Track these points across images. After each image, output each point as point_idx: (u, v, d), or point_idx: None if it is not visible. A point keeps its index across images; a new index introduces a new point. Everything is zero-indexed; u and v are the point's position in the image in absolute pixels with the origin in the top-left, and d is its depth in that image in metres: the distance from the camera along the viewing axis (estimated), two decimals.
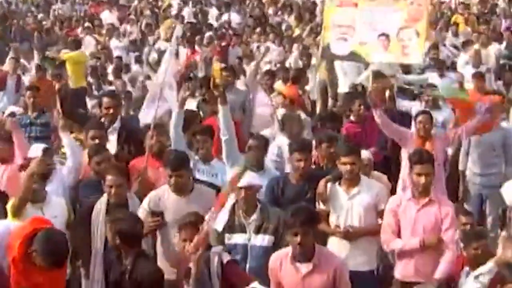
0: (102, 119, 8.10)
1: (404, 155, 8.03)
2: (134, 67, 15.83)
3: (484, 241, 6.40)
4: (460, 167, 8.74)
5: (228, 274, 5.61)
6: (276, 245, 6.12)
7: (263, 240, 6.17)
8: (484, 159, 8.56)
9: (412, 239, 6.33)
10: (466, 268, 6.20)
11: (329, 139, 7.53)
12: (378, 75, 9.59)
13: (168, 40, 16.56)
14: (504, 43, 12.94)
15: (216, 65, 10.45)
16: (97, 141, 7.46)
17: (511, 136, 8.66)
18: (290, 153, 7.10)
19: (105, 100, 8.13)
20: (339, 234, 6.58)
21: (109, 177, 6.50)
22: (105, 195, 6.50)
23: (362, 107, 8.98)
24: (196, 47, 16.09)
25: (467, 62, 11.81)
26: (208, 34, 17.47)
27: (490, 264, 5.56)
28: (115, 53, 16.65)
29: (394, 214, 6.42)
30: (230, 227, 6.18)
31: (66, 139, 7.47)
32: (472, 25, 14.12)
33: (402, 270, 6.45)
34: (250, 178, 6.16)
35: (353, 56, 8.77)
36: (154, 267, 5.75)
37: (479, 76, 10.66)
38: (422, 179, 6.34)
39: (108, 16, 20.84)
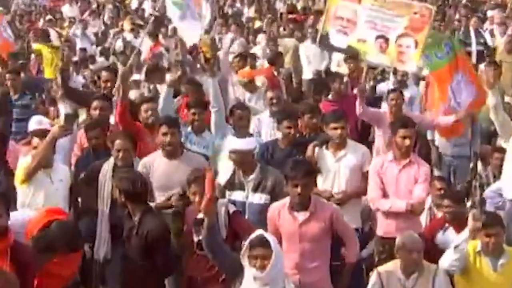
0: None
1: (379, 136, 8.69)
2: (100, 59, 16.10)
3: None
4: (429, 137, 9.38)
5: (233, 224, 6.06)
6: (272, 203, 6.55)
7: (260, 198, 6.58)
8: None
9: (397, 199, 6.82)
10: (446, 225, 6.82)
11: (311, 110, 8.08)
12: (351, 57, 10.15)
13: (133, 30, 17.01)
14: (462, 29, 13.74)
15: (206, 41, 10.80)
16: (99, 112, 7.83)
17: None
18: (278, 122, 7.57)
19: (104, 74, 8.54)
20: (333, 199, 6.98)
21: (117, 141, 6.89)
22: (112, 158, 6.92)
23: (342, 86, 9.58)
24: (161, 39, 16.45)
25: None
26: (171, 26, 17.82)
27: (465, 233, 5.98)
28: (80, 45, 16.89)
29: (378, 175, 6.95)
30: (231, 184, 6.62)
31: (63, 108, 7.82)
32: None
33: (384, 227, 6.94)
34: (243, 144, 6.64)
35: (348, 50, 8.74)
36: (159, 222, 6.13)
37: None
38: (406, 141, 6.89)
39: (68, 10, 21.05)
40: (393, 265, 6.14)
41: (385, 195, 6.91)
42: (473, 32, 13.51)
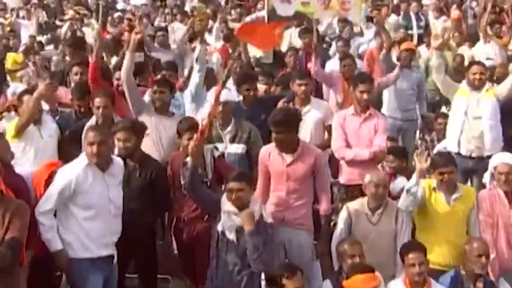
0: None
1: (331, 96, 9.36)
2: (48, 47, 16.38)
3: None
4: None
5: (218, 167, 6.69)
6: (248, 153, 7.23)
7: (237, 148, 7.24)
8: (404, 95, 9.96)
9: (359, 149, 7.43)
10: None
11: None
12: (306, 31, 10.86)
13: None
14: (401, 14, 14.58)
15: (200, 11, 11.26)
16: (79, 76, 8.28)
17: (423, 78, 10.36)
18: (238, 86, 8.14)
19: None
20: None
21: (96, 99, 7.39)
22: (94, 117, 7.40)
23: (294, 57, 10.33)
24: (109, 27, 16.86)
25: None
26: (117, 14, 18.22)
27: (414, 178, 6.66)
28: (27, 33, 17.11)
29: (341, 127, 7.58)
30: (210, 137, 7.14)
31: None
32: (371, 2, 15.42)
33: (347, 175, 7.55)
34: (226, 95, 7.29)
35: (298, 16, 9.44)
36: (157, 162, 6.78)
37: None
38: (365, 95, 7.58)
39: (10, 0, 21.14)
40: (360, 203, 6.81)
41: (348, 145, 7.54)
42: (413, 16, 14.34)
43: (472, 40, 12.64)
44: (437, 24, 14.27)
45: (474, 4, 16.14)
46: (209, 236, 6.33)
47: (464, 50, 12.11)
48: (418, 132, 10.22)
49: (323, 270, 6.91)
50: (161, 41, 12.25)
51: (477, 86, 8.36)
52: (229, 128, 7.28)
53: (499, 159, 6.99)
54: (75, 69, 8.42)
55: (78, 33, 15.63)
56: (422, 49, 12.32)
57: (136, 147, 6.63)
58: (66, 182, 5.90)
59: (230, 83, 9.26)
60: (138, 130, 6.70)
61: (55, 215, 5.97)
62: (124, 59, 7.88)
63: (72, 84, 8.32)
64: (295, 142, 6.57)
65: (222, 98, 7.13)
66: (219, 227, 6.08)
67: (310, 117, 7.77)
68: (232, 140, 7.25)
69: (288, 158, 6.56)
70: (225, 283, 6.01)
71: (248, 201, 6.02)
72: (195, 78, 8.29)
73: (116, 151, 6.53)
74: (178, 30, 16.13)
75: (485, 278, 6.32)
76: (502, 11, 13.91)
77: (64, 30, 17.00)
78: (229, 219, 6.00)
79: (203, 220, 6.58)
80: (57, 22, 18.72)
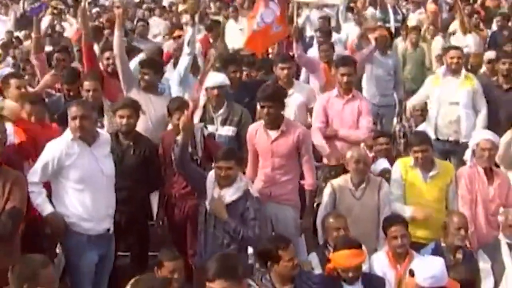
0: None
1: (314, 81, 9.56)
2: (26, 43, 16.47)
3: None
4: None
5: (208, 145, 6.91)
6: (238, 135, 7.43)
7: (228, 130, 7.45)
8: (381, 82, 10.26)
9: (341, 129, 7.69)
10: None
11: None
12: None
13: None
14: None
15: None
16: (62, 63, 8.51)
17: (399, 65, 10.67)
18: (224, 68, 8.36)
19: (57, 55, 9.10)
20: None
21: (85, 83, 7.59)
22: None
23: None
24: None
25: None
26: (95, 10, 18.34)
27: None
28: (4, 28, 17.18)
29: (323, 109, 7.83)
30: (202, 119, 7.41)
31: None
32: None
33: (330, 155, 7.76)
34: (222, 78, 7.53)
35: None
36: (150, 141, 6.96)
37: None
38: (345, 78, 7.80)
39: None
40: (344, 179, 7.05)
41: (327, 125, 7.77)
42: (390, 9, 14.63)
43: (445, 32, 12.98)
44: (412, 17, 14.61)
45: None
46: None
47: (438, 40, 12.42)
48: (396, 117, 10.51)
49: (308, 245, 7.15)
50: (141, 32, 12.47)
51: (454, 70, 8.66)
52: (221, 111, 7.48)
53: (481, 136, 7.23)
54: (57, 55, 8.61)
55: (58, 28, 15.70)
56: (398, 41, 12.61)
57: (135, 125, 6.82)
58: (49, 157, 6.00)
59: None
60: (137, 108, 6.89)
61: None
62: (107, 42, 8.03)
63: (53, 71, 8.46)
64: (281, 118, 6.80)
65: (218, 82, 7.37)
66: (207, 203, 6.29)
67: (293, 100, 7.98)
68: (224, 123, 7.44)
69: (273, 134, 6.78)
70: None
71: (234, 179, 6.24)
72: (185, 61, 8.45)
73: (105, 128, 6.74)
74: (157, 25, 16.49)
75: (464, 250, 6.55)
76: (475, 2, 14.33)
77: (44, 25, 17.13)
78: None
79: (194, 197, 6.77)
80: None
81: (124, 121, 6.76)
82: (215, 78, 7.49)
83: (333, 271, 5.95)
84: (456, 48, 9.17)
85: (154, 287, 4.47)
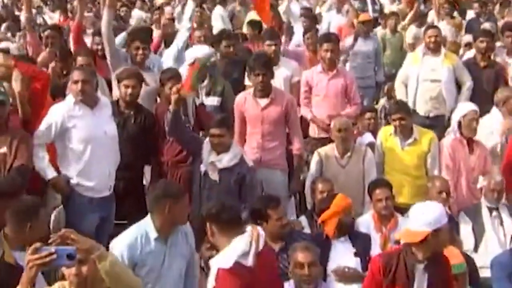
0: None
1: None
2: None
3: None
4: None
5: (199, 113, 7.18)
6: (222, 105, 7.70)
7: (213, 100, 7.71)
8: (362, 65, 10.59)
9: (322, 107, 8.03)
10: None
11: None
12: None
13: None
14: None
15: None
16: (51, 40, 8.65)
17: (380, 48, 11.07)
18: (216, 42, 8.62)
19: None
20: None
21: (79, 58, 7.84)
22: None
23: None
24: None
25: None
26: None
27: None
28: None
29: (307, 84, 8.15)
30: None
31: None
32: None
33: (316, 129, 8.13)
34: (206, 50, 7.83)
35: None
36: (150, 111, 7.19)
37: None
38: (328, 54, 8.09)
39: None
40: (330, 147, 7.34)
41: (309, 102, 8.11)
42: (369, 0, 14.96)
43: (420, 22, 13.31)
44: (389, 8, 14.95)
45: None
46: (192, 177, 6.81)
47: (411, 29, 12.71)
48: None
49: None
50: (124, 16, 12.67)
51: (433, 49, 8.98)
52: (205, 82, 7.74)
53: (468, 107, 7.55)
54: (47, 32, 8.80)
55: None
56: (377, 29, 12.93)
57: (138, 95, 7.04)
58: (52, 120, 6.23)
59: None
60: (141, 79, 7.11)
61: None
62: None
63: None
64: (270, 86, 7.11)
65: (203, 53, 7.64)
66: (202, 168, 6.57)
67: (279, 73, 8.22)
68: (208, 94, 7.70)
69: (262, 102, 7.10)
70: None
71: (229, 146, 6.52)
72: (184, 35, 8.67)
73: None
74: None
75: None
76: None
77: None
78: (212, 164, 6.52)
79: (185, 164, 7.02)
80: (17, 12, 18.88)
81: (129, 90, 6.94)
82: (197, 50, 7.79)
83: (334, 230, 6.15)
84: (434, 27, 9.53)
85: None
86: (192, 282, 5.56)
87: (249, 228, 4.80)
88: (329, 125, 7.56)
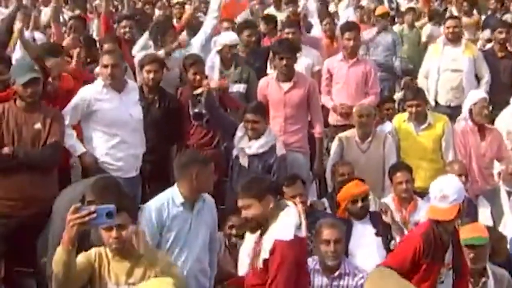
0: None
1: None
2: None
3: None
4: None
5: (223, 99, 7.34)
6: (247, 92, 7.86)
7: (238, 87, 7.85)
8: (382, 57, 10.72)
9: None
10: None
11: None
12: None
13: None
14: None
15: None
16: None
17: (398, 37, 11.22)
18: (239, 33, 8.74)
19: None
20: None
21: (105, 45, 8.00)
22: None
23: None
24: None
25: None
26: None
27: None
28: None
29: (328, 72, 8.29)
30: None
31: None
32: None
33: (335, 117, 8.24)
34: (232, 37, 8.04)
35: None
36: (170, 93, 7.34)
37: None
38: (351, 43, 8.24)
39: None
40: (351, 132, 7.48)
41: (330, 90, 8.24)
42: None
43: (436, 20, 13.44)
44: (404, 5, 15.09)
45: None
46: (216, 160, 6.92)
47: (427, 28, 12.81)
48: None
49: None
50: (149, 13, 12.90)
51: (451, 39, 9.09)
52: (231, 69, 7.91)
53: (479, 95, 7.74)
54: (71, 22, 8.93)
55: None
56: (394, 27, 13.06)
57: (161, 79, 7.19)
58: (79, 101, 6.43)
59: None
60: (163, 64, 7.27)
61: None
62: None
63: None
64: (293, 70, 7.27)
65: (229, 40, 7.87)
66: (234, 152, 6.76)
67: (301, 62, 8.33)
68: (234, 81, 7.83)
69: (285, 86, 7.25)
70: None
71: (262, 132, 6.66)
72: (211, 22, 8.72)
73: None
74: None
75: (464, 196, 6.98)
76: None
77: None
78: (242, 149, 6.69)
79: (210, 147, 7.23)
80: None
81: (151, 75, 7.07)
82: (226, 37, 7.97)
83: (344, 212, 6.30)
84: (453, 18, 9.65)
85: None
86: (213, 256, 5.70)
87: (288, 202, 4.89)
88: (351, 108, 7.71)
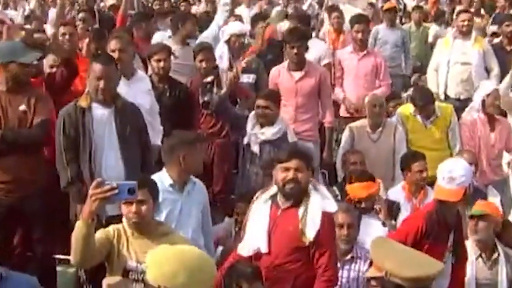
0: None
1: None
2: None
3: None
4: None
5: (233, 89, 7.28)
6: (256, 82, 7.90)
7: (248, 77, 7.89)
8: (391, 54, 10.62)
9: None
10: None
11: None
12: None
13: None
14: None
15: None
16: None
17: (407, 35, 11.14)
18: (253, 24, 8.87)
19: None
20: None
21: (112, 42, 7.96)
22: None
23: None
24: None
25: None
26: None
27: None
28: None
29: (339, 63, 8.37)
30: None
31: None
32: None
33: (344, 109, 8.34)
34: (240, 26, 8.09)
35: None
36: (181, 82, 7.27)
37: None
38: (360, 35, 8.32)
39: None
40: (362, 121, 7.50)
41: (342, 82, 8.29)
42: None
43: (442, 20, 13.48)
44: (411, 4, 15.13)
45: None
46: (226, 149, 7.02)
47: (433, 29, 12.82)
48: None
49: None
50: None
51: (464, 32, 9.09)
52: (240, 59, 7.96)
53: (491, 86, 7.72)
54: (81, 14, 9.07)
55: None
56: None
57: (170, 68, 7.15)
58: None
59: None
60: (170, 52, 7.21)
61: None
62: None
63: None
64: (304, 60, 7.29)
65: (237, 29, 7.91)
66: (245, 140, 6.75)
67: (308, 55, 8.36)
68: (243, 70, 7.84)
69: (297, 75, 7.29)
70: (248, 190, 6.44)
71: (274, 120, 6.66)
72: (223, 14, 8.86)
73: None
74: None
75: (473, 185, 6.91)
76: None
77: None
78: (254, 136, 6.68)
79: (220, 136, 7.26)
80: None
81: (161, 64, 6.97)
82: (234, 27, 8.03)
83: (351, 202, 6.29)
84: (466, 11, 9.69)
85: None
86: (208, 239, 5.61)
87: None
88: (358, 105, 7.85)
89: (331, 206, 4.66)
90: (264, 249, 4.67)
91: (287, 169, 4.63)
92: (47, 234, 5.88)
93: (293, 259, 4.65)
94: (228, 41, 7.97)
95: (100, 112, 5.62)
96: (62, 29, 7.44)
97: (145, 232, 4.50)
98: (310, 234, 4.56)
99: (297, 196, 4.65)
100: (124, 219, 4.57)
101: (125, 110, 5.70)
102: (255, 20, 9.09)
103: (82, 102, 5.63)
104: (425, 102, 7.46)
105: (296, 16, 9.66)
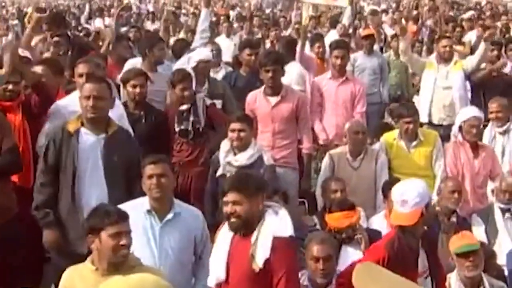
0: None
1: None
2: None
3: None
4: None
5: (210, 114, 7.18)
6: (223, 107, 7.72)
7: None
8: (369, 81, 10.48)
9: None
10: None
11: None
12: None
13: None
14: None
15: None
16: None
17: (385, 62, 11.06)
18: (240, 50, 8.71)
19: None
20: None
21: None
22: None
23: None
24: None
25: None
26: None
27: None
28: None
29: (318, 90, 8.20)
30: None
31: None
32: None
33: (325, 136, 8.13)
34: (205, 53, 7.99)
35: None
36: (157, 109, 7.16)
37: None
38: (339, 61, 8.16)
39: None
40: (342, 149, 7.31)
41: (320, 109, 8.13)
42: None
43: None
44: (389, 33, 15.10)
45: (428, 22, 17.06)
46: (203, 179, 6.78)
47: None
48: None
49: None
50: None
51: (446, 58, 9.01)
52: (205, 86, 7.78)
53: (469, 113, 7.47)
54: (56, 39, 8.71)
55: None
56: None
57: (146, 94, 6.97)
58: (56, 114, 6.16)
59: None
60: (147, 77, 7.06)
61: None
62: None
63: None
64: (281, 84, 7.10)
65: (202, 56, 7.76)
66: (220, 171, 6.50)
67: (293, 68, 8.31)
68: (209, 97, 7.60)
69: (273, 100, 7.09)
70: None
71: (249, 143, 6.46)
72: (201, 41, 9.00)
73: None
74: None
75: (458, 214, 6.74)
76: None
77: None
78: (229, 164, 6.46)
79: (197, 164, 7.05)
80: None
81: (137, 90, 6.85)
82: (199, 53, 7.88)
83: (331, 232, 6.08)
84: (447, 37, 9.59)
85: None
86: (203, 273, 5.08)
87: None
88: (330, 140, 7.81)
89: (285, 230, 4.40)
90: (222, 277, 4.48)
91: (226, 203, 4.44)
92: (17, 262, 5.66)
93: (250, 286, 4.42)
94: (195, 68, 7.77)
95: (87, 138, 5.45)
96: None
97: (119, 267, 4.20)
98: (259, 260, 4.34)
99: (240, 229, 4.44)
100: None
101: (116, 139, 5.52)
102: (242, 46, 8.95)
103: (70, 126, 5.46)
104: (411, 113, 7.36)
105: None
